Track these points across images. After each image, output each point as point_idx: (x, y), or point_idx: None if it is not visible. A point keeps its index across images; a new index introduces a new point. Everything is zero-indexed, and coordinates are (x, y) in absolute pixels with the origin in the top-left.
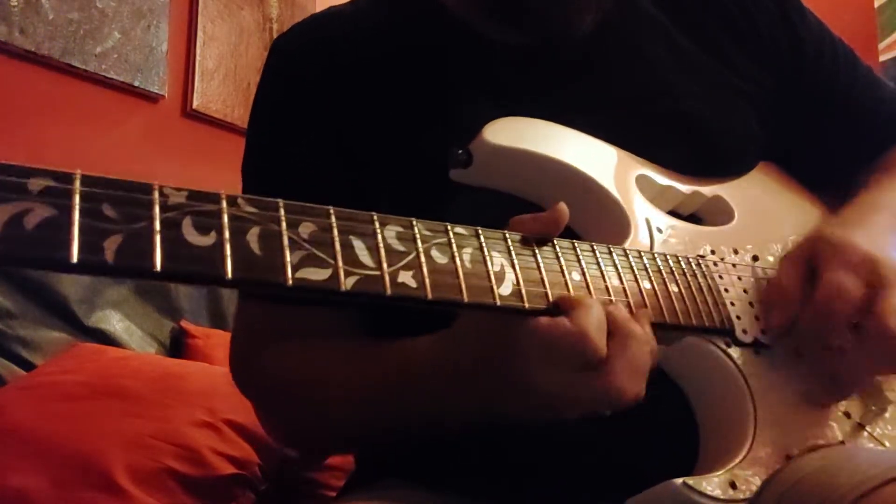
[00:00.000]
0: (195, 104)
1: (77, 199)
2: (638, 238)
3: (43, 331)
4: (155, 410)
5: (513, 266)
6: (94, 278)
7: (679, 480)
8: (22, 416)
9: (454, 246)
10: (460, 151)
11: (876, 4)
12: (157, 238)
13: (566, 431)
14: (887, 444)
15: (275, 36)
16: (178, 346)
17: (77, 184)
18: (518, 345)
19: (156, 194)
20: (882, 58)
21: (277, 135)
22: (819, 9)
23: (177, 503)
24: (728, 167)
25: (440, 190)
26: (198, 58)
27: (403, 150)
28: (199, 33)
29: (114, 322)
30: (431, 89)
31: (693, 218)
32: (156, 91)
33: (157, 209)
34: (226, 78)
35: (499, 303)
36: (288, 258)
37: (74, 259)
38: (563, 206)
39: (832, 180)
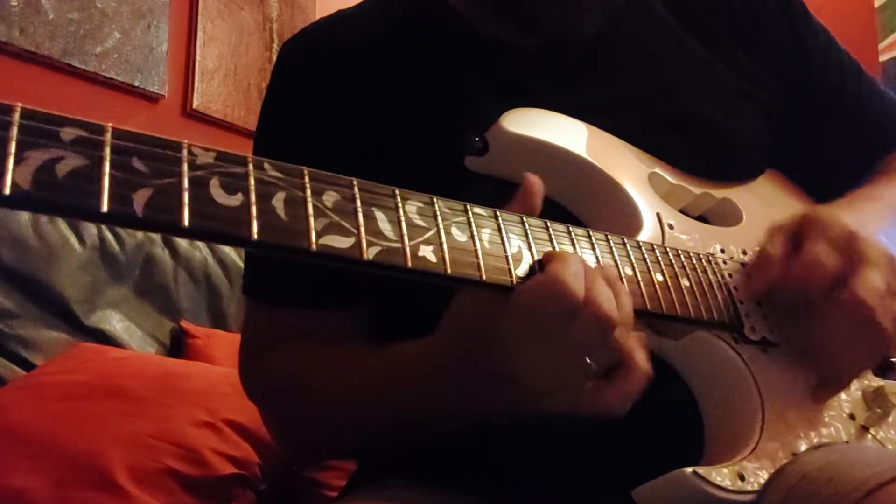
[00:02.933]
0: (195, 104)
1: (108, 150)
2: (649, 233)
3: (43, 331)
4: (155, 410)
5: (530, 249)
6: (94, 277)
7: (689, 469)
8: (22, 416)
9: (473, 225)
10: (476, 139)
11: (876, 4)
12: (186, 195)
13: (567, 428)
14: (890, 447)
15: (275, 36)
16: (178, 346)
17: (108, 136)
18: (501, 324)
19: (184, 152)
20: (882, 58)
21: (285, 137)
22: (819, 9)
23: (177, 503)
24: (737, 171)
25: (446, 192)
26: (198, 58)
27: (410, 151)
28: (199, 33)
29: (114, 322)
30: (438, 91)
31: (701, 219)
32: (156, 91)
33: (185, 167)
34: (226, 78)
35: (515, 283)
36: (312, 224)
37: (104, 208)
38: (532, 177)
39: (837, 188)
